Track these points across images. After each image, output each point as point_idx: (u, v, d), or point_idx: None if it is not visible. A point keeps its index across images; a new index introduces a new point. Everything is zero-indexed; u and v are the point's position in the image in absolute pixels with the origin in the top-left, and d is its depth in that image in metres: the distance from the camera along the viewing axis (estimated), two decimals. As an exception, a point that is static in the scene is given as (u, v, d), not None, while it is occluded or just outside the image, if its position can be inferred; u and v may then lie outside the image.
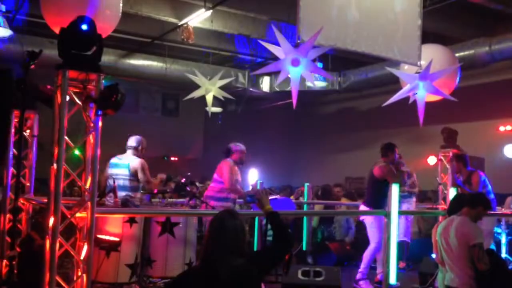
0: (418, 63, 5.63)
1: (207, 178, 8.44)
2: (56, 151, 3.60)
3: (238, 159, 6.21)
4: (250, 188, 7.23)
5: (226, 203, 5.93)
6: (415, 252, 7.44)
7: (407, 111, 6.36)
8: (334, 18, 5.24)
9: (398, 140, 11.32)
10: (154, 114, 15.25)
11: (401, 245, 7.48)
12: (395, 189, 5.25)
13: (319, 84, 10.54)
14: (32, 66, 4.05)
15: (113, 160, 5.54)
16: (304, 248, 7.82)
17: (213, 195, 5.99)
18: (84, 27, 3.57)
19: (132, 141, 5.58)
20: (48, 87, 4.30)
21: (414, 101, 5.78)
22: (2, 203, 5.09)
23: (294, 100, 5.67)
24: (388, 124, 11.30)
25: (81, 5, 3.94)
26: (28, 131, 5.32)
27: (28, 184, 5.41)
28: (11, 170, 5.18)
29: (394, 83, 6.89)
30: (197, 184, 6.11)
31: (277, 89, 12.03)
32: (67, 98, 3.66)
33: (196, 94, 9.43)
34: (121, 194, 5.14)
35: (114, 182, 4.99)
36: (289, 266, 3.62)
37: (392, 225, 5.23)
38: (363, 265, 6.01)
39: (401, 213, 5.93)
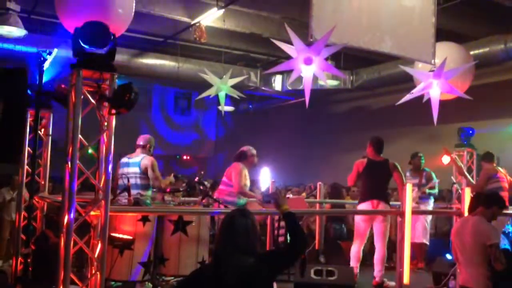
0: (432, 61, 5.58)
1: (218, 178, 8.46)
2: (70, 149, 3.63)
3: (251, 164, 6.24)
4: (261, 189, 7.24)
5: (235, 207, 5.93)
6: (430, 252, 7.39)
7: (421, 110, 6.31)
8: (347, 16, 5.21)
9: (411, 139, 11.33)
10: (166, 112, 15.32)
11: (419, 246, 7.45)
12: (409, 189, 5.21)
13: (332, 82, 10.49)
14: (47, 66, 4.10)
15: (124, 159, 5.59)
16: (316, 247, 7.79)
17: (221, 198, 5.99)
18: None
19: (141, 139, 5.65)
20: (63, 86, 4.34)
21: (428, 100, 5.73)
22: (18, 201, 5.15)
23: (307, 99, 5.66)
24: (401, 123, 11.22)
25: (94, 5, 3.95)
26: (42, 130, 5.38)
27: (42, 183, 5.47)
28: (26, 168, 5.25)
29: (408, 81, 6.84)
30: (206, 183, 6.10)
31: (289, 88, 12.00)
32: (81, 97, 3.69)
33: (208, 93, 9.44)
34: (133, 192, 5.18)
35: (128, 181, 5.02)
36: (305, 266, 3.61)
37: (406, 225, 5.19)
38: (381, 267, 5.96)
39: (415, 213, 5.87)
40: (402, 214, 5.23)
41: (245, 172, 6.11)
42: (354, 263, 6.02)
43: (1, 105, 3.10)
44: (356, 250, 6.07)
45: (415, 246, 7.14)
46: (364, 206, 6.00)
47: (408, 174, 7.73)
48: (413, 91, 5.79)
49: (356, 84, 11.61)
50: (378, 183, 6.04)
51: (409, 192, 5.23)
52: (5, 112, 3.12)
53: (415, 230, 7.12)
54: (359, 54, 9.46)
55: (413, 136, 11.13)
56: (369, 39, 5.36)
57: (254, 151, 6.31)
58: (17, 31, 7.38)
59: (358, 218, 6.17)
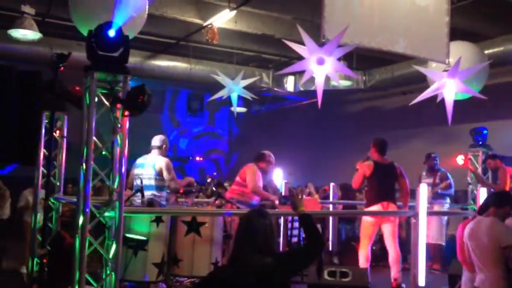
0: (446, 60, 5.54)
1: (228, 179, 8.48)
2: (85, 151, 3.66)
3: (265, 168, 6.26)
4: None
5: (247, 207, 5.95)
6: (446, 253, 7.33)
7: (435, 110, 6.26)
8: (360, 16, 5.20)
9: (425, 139, 11.24)
10: (179, 114, 15.39)
11: (435, 247, 7.39)
12: (423, 189, 5.17)
13: (344, 83, 10.45)
14: (61, 68, 4.14)
15: (139, 160, 5.62)
16: (330, 248, 7.78)
17: (234, 198, 6.01)
18: (111, 33, 3.61)
19: (156, 140, 5.66)
20: (77, 88, 4.38)
21: (442, 100, 5.68)
22: (34, 202, 5.21)
23: (319, 100, 5.65)
24: (415, 123, 11.14)
25: (108, 8, 3.99)
26: (57, 132, 5.44)
27: (58, 184, 5.52)
28: (42, 170, 5.31)
29: (421, 81, 6.79)
30: (226, 184, 6.12)
31: (302, 89, 11.97)
32: (95, 99, 3.73)
33: (220, 94, 9.47)
34: (147, 193, 5.21)
35: (141, 182, 5.05)
36: (322, 267, 3.60)
37: (420, 226, 5.15)
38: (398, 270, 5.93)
39: (429, 214, 5.81)
40: (416, 215, 5.19)
41: (259, 173, 6.16)
42: (364, 264, 5.99)
43: (17, 108, 3.14)
44: (365, 251, 6.04)
45: (430, 247, 7.09)
46: (374, 208, 5.96)
47: (423, 174, 7.69)
48: (427, 91, 5.75)
49: (369, 85, 11.54)
50: (387, 185, 6.01)
51: (424, 193, 5.19)
52: (21, 114, 3.16)
53: (430, 231, 7.06)
54: (372, 54, 9.41)
55: (427, 136, 11.04)
56: (381, 39, 5.34)
57: (272, 158, 6.38)
58: (32, 34, 7.48)
59: (367, 220, 6.12)
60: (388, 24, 5.32)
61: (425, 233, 5.31)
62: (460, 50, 5.68)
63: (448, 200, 7.56)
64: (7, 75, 3.14)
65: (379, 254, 7.61)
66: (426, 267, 5.38)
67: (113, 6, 4.03)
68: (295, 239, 6.62)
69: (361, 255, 6.04)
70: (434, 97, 5.81)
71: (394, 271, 5.91)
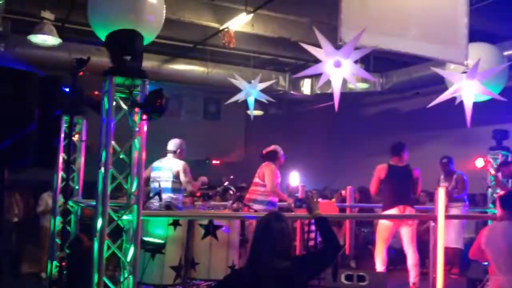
0: (465, 62, 5.47)
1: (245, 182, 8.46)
2: (103, 155, 3.70)
3: (281, 163, 6.26)
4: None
5: (268, 206, 5.95)
6: (465, 258, 7.22)
7: (453, 112, 6.19)
8: (377, 19, 5.16)
9: (443, 141, 11.11)
10: (196, 117, 15.45)
11: (453, 251, 7.29)
12: (442, 192, 5.11)
13: (361, 85, 10.39)
14: (81, 73, 4.19)
15: (156, 164, 5.67)
16: (346, 252, 7.72)
17: (255, 199, 6.01)
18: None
19: (171, 145, 5.72)
20: (96, 93, 4.43)
21: (461, 102, 5.62)
22: (53, 206, 5.28)
23: (336, 103, 5.63)
24: (433, 125, 11.02)
25: (126, 13, 4.04)
26: (76, 136, 5.50)
27: (77, 187, 5.59)
28: (61, 173, 5.38)
29: (440, 83, 6.72)
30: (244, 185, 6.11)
31: (318, 92, 11.94)
32: (114, 103, 3.77)
33: (237, 97, 9.48)
34: (164, 196, 5.25)
35: (159, 185, 5.09)
36: (337, 270, 3.60)
37: (439, 230, 5.09)
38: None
39: (448, 217, 5.74)
40: (435, 219, 5.13)
41: (278, 172, 6.15)
42: (381, 267, 5.94)
43: (37, 112, 3.19)
44: (381, 254, 5.99)
45: (449, 251, 7.00)
46: (390, 212, 5.90)
47: (441, 177, 7.60)
48: (446, 93, 5.69)
49: (386, 87, 11.46)
50: (403, 188, 5.95)
51: (442, 196, 5.13)
52: (41, 119, 3.20)
53: (448, 235, 6.97)
54: (389, 56, 9.35)
55: (445, 139, 10.91)
56: (399, 41, 5.30)
57: (282, 151, 6.35)
58: (51, 40, 7.58)
59: (383, 224, 6.06)
60: (405, 26, 5.28)
61: (444, 236, 5.24)
62: (479, 52, 5.61)
63: (467, 203, 7.45)
64: (28, 81, 3.19)
65: (396, 257, 7.53)
66: (444, 271, 5.31)
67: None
68: (312, 243, 6.60)
69: (378, 259, 5.99)
70: (453, 99, 5.75)
71: (413, 276, 5.85)
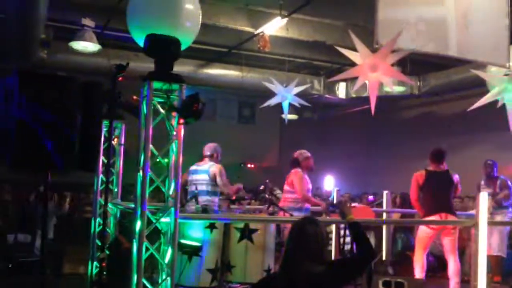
0: (507, 64, 5.33)
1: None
2: (142, 158, 3.77)
3: (307, 167, 6.22)
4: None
5: (301, 213, 5.93)
6: (507, 266, 7.02)
7: (495, 116, 6.02)
8: (414, 21, 5.09)
9: (483, 146, 10.81)
10: (230, 122, 15.56)
11: (496, 259, 7.08)
12: (483, 198, 4.97)
13: (398, 89, 10.24)
14: (120, 78, 4.29)
15: (193, 167, 5.74)
16: (384, 258, 7.61)
17: (287, 206, 5.99)
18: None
19: (207, 149, 5.79)
20: (134, 97, 4.53)
21: (503, 105, 5.47)
22: (93, 208, 5.41)
23: (373, 106, 5.57)
24: (473, 129, 10.75)
25: (164, 19, 4.10)
26: (115, 139, 5.63)
27: (116, 190, 5.71)
28: (100, 176, 5.51)
29: (480, 86, 6.56)
30: (277, 192, 6.13)
31: (354, 95, 11.83)
32: (152, 108, 3.84)
33: (272, 101, 9.51)
34: (201, 199, 5.31)
35: (196, 188, 5.15)
36: (371, 277, 3.55)
37: (480, 237, 4.95)
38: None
39: (490, 224, 5.57)
40: (476, 225, 4.99)
41: (305, 177, 6.11)
42: (419, 274, 5.83)
43: (79, 117, 3.28)
44: (420, 260, 5.88)
45: (491, 259, 6.79)
46: (430, 219, 5.78)
47: (482, 182, 7.40)
48: (487, 96, 5.56)
49: (424, 90, 11.25)
50: (443, 194, 5.80)
51: (484, 202, 4.99)
52: (83, 123, 3.30)
53: (491, 242, 6.77)
54: (426, 59, 9.18)
55: (486, 143, 10.62)
56: (437, 43, 5.20)
57: (306, 154, 6.29)
58: (92, 46, 7.80)
59: (423, 231, 5.94)
60: (443, 28, 5.18)
61: (486, 244, 5.10)
62: (522, 53, 5.45)
63: (510, 209, 7.23)
64: (71, 86, 3.29)
65: (436, 264, 7.38)
66: (486, 279, 5.16)
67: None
68: (348, 247, 6.53)
69: (416, 266, 5.88)
70: (494, 102, 5.60)
71: (453, 284, 5.72)
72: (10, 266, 5.27)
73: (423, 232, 5.89)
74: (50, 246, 6.55)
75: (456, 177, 5.89)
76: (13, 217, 7.50)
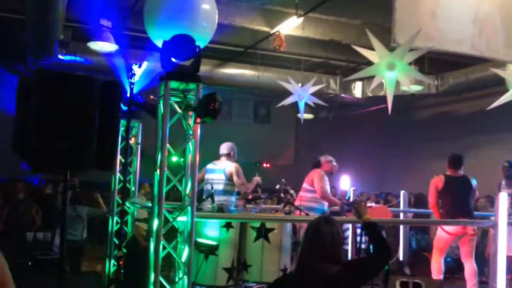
0: (527, 62, 5.25)
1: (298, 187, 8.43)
2: (159, 157, 3.80)
3: (328, 170, 6.29)
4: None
5: (317, 213, 5.93)
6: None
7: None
8: (432, 19, 5.04)
9: (503, 146, 10.65)
10: (246, 121, 15.57)
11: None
12: (503, 198, 4.91)
13: (415, 88, 10.13)
14: (136, 78, 4.33)
15: (209, 166, 5.76)
16: (401, 258, 7.54)
17: (304, 205, 5.99)
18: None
19: (224, 148, 5.80)
20: (151, 97, 4.56)
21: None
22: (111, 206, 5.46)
23: (390, 105, 5.54)
24: (492, 129, 10.60)
25: (181, 19, 4.12)
26: (132, 139, 5.67)
27: (133, 189, 5.76)
28: (118, 175, 5.56)
29: (499, 84, 6.47)
30: (291, 192, 6.14)
31: (370, 94, 11.75)
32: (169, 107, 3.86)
33: (288, 101, 9.49)
34: (218, 198, 5.32)
35: (212, 187, 5.16)
36: (388, 277, 3.51)
37: (499, 237, 4.88)
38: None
39: (510, 224, 5.50)
40: (495, 226, 4.93)
41: (326, 177, 6.19)
42: (437, 275, 5.78)
43: (97, 116, 3.32)
44: (438, 262, 5.83)
45: (510, 260, 6.70)
46: (450, 226, 5.73)
47: (503, 183, 7.31)
48: (506, 94, 5.48)
49: (442, 89, 11.13)
50: (462, 199, 5.76)
51: (504, 202, 4.93)
52: (101, 123, 3.33)
53: (510, 243, 6.67)
54: (444, 57, 9.08)
55: (504, 143, 10.47)
56: (455, 41, 5.15)
57: (329, 158, 6.41)
58: (109, 46, 7.87)
59: (442, 235, 5.88)
60: (462, 26, 5.12)
61: (505, 244, 5.03)
62: (543, 51, 5.36)
63: None
64: (91, 86, 3.33)
65: (454, 266, 7.30)
66: (506, 280, 5.09)
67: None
68: (364, 247, 6.50)
69: (434, 267, 5.84)
70: (513, 101, 5.53)
71: (470, 285, 5.67)
72: (29, 263, 5.34)
73: (441, 237, 5.85)
74: (69, 244, 6.63)
75: (474, 182, 5.84)
76: (31, 215, 7.59)
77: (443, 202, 5.87)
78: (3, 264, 2.36)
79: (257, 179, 5.83)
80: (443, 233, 5.81)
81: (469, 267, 5.72)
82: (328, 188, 6.31)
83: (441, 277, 5.79)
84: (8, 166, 5.95)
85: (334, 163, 6.52)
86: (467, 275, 5.73)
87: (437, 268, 5.81)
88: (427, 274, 6.32)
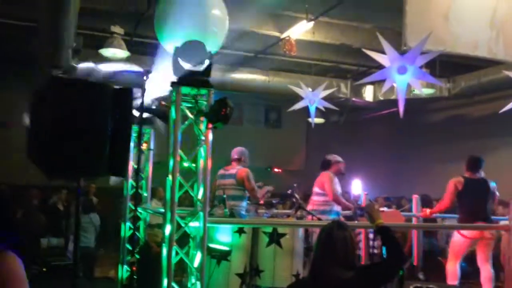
0: (540, 65, 5.20)
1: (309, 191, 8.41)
2: (171, 163, 3.81)
3: (337, 171, 6.23)
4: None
5: (330, 216, 5.91)
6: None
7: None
8: (443, 22, 5.02)
9: (516, 149, 10.53)
10: (257, 126, 15.56)
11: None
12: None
13: (427, 91, 10.07)
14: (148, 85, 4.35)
15: (220, 172, 5.77)
16: (413, 263, 7.47)
17: (317, 209, 5.97)
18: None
19: (235, 153, 5.82)
20: (163, 103, 4.58)
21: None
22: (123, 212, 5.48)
23: (401, 109, 5.51)
24: (504, 132, 10.49)
25: (192, 25, 4.15)
26: (144, 145, 5.70)
27: (145, 195, 5.78)
28: (130, 181, 5.59)
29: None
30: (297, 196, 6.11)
31: (381, 98, 11.70)
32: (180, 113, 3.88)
33: (299, 105, 9.49)
34: (229, 203, 5.32)
35: (224, 193, 5.17)
36: (403, 282, 3.49)
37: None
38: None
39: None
40: (510, 230, 4.87)
41: (336, 179, 6.12)
42: (452, 280, 5.71)
43: (111, 123, 3.34)
44: (453, 267, 5.76)
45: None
46: (467, 230, 5.66)
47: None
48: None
49: (454, 92, 11.04)
50: (480, 203, 5.70)
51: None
52: (114, 129, 3.35)
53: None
54: (456, 60, 9.02)
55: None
56: (467, 44, 5.12)
57: (338, 158, 6.34)
58: (121, 53, 7.93)
59: (458, 239, 5.81)
60: (474, 29, 5.10)
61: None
62: (556, 53, 5.31)
63: None
64: (103, 93, 3.35)
65: (469, 271, 7.20)
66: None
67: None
68: (376, 251, 6.45)
69: (449, 272, 5.77)
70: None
71: None
72: (44, 270, 5.38)
73: (457, 241, 5.78)
74: (82, 250, 6.68)
75: (493, 185, 5.77)
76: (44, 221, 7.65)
77: (460, 204, 5.80)
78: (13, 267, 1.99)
79: (269, 188, 5.83)
80: (460, 237, 5.75)
81: (486, 272, 5.64)
82: (339, 190, 6.23)
83: (457, 282, 5.72)
84: (22, 173, 6.01)
85: (342, 163, 6.44)
86: (484, 280, 5.65)
87: (452, 272, 5.74)
88: (441, 279, 6.26)
